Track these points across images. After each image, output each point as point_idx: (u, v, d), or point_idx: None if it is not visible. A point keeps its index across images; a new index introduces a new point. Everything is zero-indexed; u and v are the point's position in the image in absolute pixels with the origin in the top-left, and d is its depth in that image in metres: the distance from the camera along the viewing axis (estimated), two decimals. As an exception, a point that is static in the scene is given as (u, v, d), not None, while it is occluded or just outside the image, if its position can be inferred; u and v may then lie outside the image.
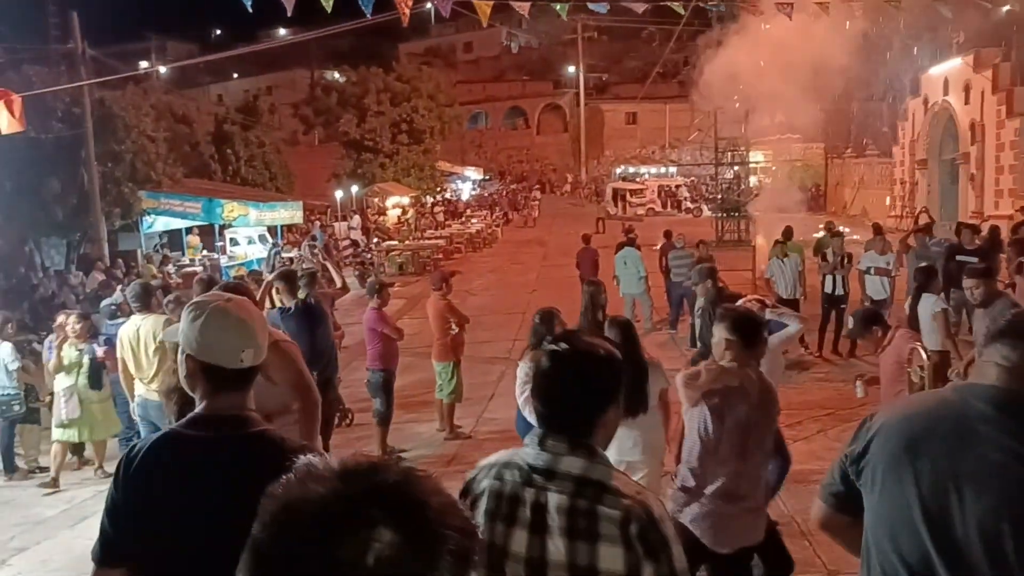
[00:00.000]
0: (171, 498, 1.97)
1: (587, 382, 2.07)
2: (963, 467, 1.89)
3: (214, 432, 2.03)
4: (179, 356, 2.13)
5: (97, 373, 8.00)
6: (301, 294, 7.20)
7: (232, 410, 2.07)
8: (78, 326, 7.94)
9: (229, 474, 1.93)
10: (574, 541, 1.95)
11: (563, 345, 2.11)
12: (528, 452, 2.06)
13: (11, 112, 7.67)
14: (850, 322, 7.08)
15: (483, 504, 2.06)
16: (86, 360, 7.91)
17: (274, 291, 7.07)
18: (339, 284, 8.50)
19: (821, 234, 14.84)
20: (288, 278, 7.23)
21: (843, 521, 2.18)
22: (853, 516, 2.11)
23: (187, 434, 2.06)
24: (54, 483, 7.82)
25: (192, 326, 2.07)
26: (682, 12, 12.24)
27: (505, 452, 2.16)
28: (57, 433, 7.90)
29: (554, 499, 1.98)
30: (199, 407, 2.09)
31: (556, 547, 1.96)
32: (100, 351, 7.99)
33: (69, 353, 7.84)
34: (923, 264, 9.22)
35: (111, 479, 2.11)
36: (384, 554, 0.85)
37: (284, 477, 0.94)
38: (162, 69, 31.14)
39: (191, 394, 2.13)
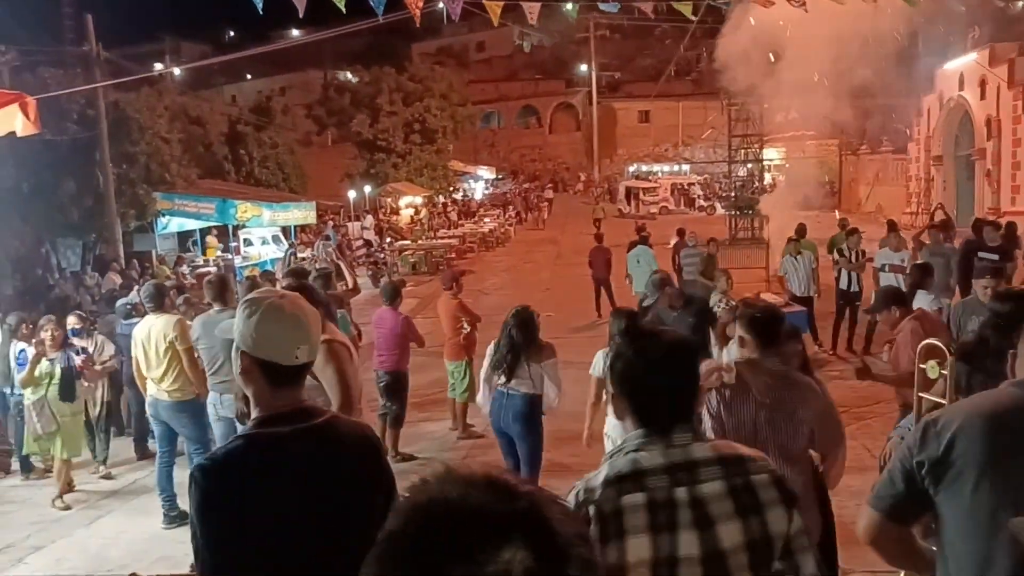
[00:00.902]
0: (272, 498, 1.96)
1: (685, 369, 2.11)
2: None
3: (288, 427, 2.02)
4: (233, 353, 2.12)
5: (70, 384, 7.60)
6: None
7: (294, 404, 2.07)
8: (56, 333, 7.63)
9: (319, 462, 1.96)
10: (747, 518, 1.95)
11: (648, 341, 2.15)
12: (652, 455, 2.00)
13: (26, 115, 7.70)
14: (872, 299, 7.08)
15: (631, 521, 1.96)
16: (57, 370, 7.55)
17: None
18: (350, 284, 8.52)
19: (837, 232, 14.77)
20: (299, 275, 7.25)
21: (895, 531, 2.13)
22: (905, 525, 2.09)
23: (264, 434, 2.04)
24: (69, 487, 7.59)
25: (247, 323, 2.07)
26: (692, 18, 12.21)
27: (617, 463, 2.03)
28: (35, 448, 7.67)
29: (710, 488, 1.97)
30: (258, 407, 2.08)
31: (729, 532, 1.94)
32: (78, 360, 7.71)
33: (41, 365, 7.51)
34: (920, 262, 9.19)
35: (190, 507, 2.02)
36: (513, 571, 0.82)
37: (422, 477, 0.91)
38: (176, 71, 31.25)
39: (244, 390, 2.13)
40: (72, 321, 8.34)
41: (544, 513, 0.87)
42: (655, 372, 2.05)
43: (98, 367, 8.09)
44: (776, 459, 3.54)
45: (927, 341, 6.02)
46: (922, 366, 5.88)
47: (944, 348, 5.86)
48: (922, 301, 7.61)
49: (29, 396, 7.50)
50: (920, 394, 5.93)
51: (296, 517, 1.95)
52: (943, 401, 5.87)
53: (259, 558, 1.93)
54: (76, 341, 8.02)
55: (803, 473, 3.56)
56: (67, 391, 7.57)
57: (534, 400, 6.03)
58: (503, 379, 6.03)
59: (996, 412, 2.01)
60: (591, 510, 1.96)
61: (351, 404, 3.97)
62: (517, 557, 0.82)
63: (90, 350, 8.13)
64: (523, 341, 6.03)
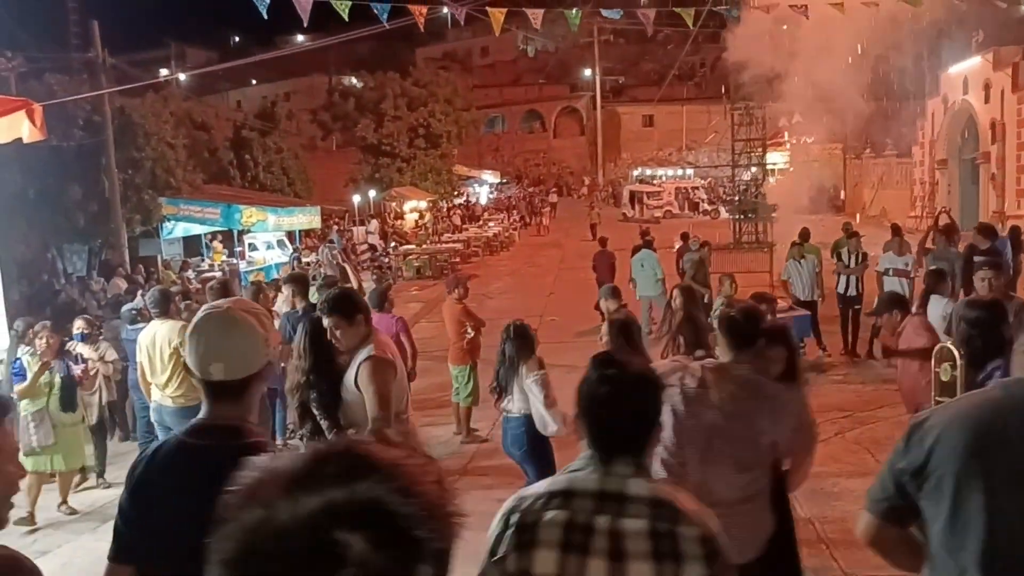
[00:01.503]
0: (169, 503, 2.01)
1: (643, 403, 2.11)
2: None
3: (214, 441, 2.05)
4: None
5: (71, 394, 7.33)
6: (314, 298, 7.22)
7: (230, 420, 2.08)
8: (51, 340, 7.32)
9: (222, 483, 1.97)
10: (660, 563, 1.94)
11: (613, 370, 2.13)
12: (590, 478, 2.04)
13: (33, 121, 7.75)
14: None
15: (546, 535, 2.00)
16: (57, 379, 7.24)
17: (288, 293, 7.03)
18: (355, 286, 8.51)
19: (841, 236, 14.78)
20: (299, 281, 7.24)
21: (893, 533, 2.14)
22: (903, 527, 2.08)
23: (188, 442, 2.10)
24: (31, 519, 6.98)
25: (186, 334, 2.15)
26: (690, 26, 12.31)
27: (558, 479, 2.11)
28: (27, 463, 6.76)
29: (632, 524, 1.97)
30: (201, 415, 2.13)
31: (640, 571, 1.94)
32: (78, 369, 7.44)
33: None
34: (934, 267, 9.19)
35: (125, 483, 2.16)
36: (356, 572, 0.80)
37: (237, 487, 0.88)
38: (181, 76, 31.44)
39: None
40: (80, 325, 8.14)
41: (387, 498, 0.84)
42: (610, 401, 2.07)
43: (95, 373, 7.85)
44: (730, 468, 3.43)
45: (941, 344, 6.06)
46: (936, 369, 5.92)
47: (956, 351, 5.90)
48: (936, 306, 7.63)
49: (27, 407, 7.03)
50: (937, 398, 5.97)
51: (184, 529, 1.97)
52: None
53: (149, 555, 2.05)
54: (80, 347, 7.80)
55: (759, 480, 3.48)
56: (68, 401, 7.30)
57: (531, 421, 5.66)
58: (496, 398, 5.87)
59: (974, 418, 1.98)
60: (515, 518, 2.05)
61: (387, 421, 3.94)
62: (348, 553, 0.80)
63: (90, 356, 7.93)
64: (517, 356, 5.72)
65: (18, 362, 7.35)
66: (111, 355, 8.35)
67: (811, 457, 3.92)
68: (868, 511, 2.14)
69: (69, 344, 7.85)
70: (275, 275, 19.82)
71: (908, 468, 2.01)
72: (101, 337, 8.68)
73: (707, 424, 3.41)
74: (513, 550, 2.01)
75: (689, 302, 6.10)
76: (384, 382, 3.97)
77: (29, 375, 7.12)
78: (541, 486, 2.12)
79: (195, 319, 2.14)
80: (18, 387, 7.09)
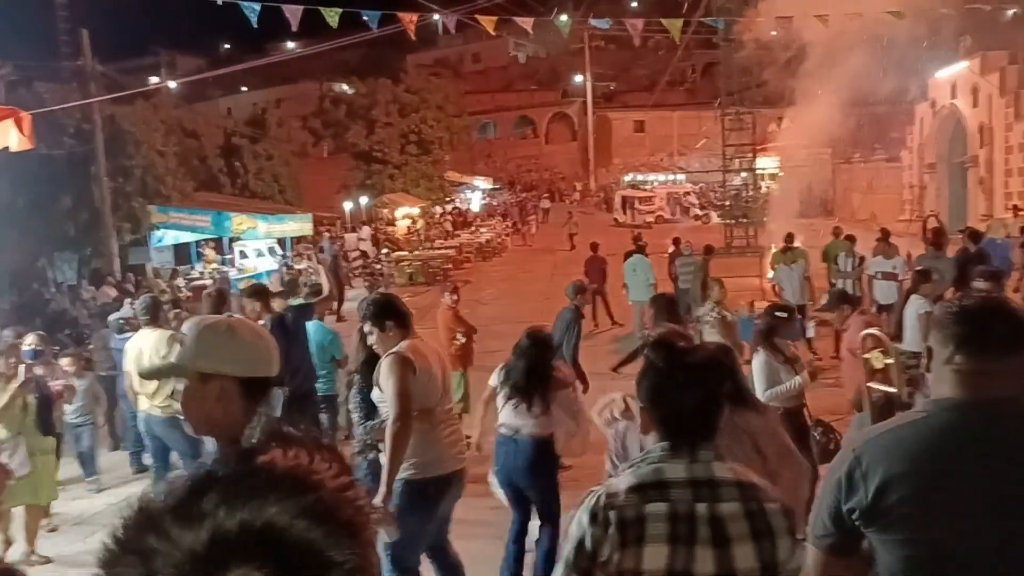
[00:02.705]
0: None
1: (716, 388, 2.16)
2: (987, 495, 1.86)
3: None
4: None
5: (47, 415, 6.65)
6: (278, 306, 7.18)
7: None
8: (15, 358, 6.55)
9: None
10: (760, 542, 2.00)
11: (682, 356, 2.18)
12: (676, 467, 2.04)
13: (21, 130, 7.73)
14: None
15: (652, 529, 1.98)
16: (31, 399, 6.49)
17: (247, 309, 6.87)
18: (325, 292, 8.45)
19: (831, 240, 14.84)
20: (260, 293, 7.16)
21: (841, 564, 2.09)
22: (849, 557, 2.04)
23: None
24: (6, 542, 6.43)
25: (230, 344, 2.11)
26: (675, 39, 12.41)
27: (642, 472, 2.06)
28: None
29: (727, 508, 2.01)
30: None
31: (744, 554, 1.99)
32: (58, 384, 6.85)
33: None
34: (919, 268, 9.27)
35: None
36: None
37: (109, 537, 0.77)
38: (171, 84, 31.28)
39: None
40: (31, 341, 7.05)
41: (287, 523, 0.74)
42: (685, 387, 2.09)
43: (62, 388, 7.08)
44: None
45: (868, 331, 6.21)
46: (865, 356, 6.07)
47: (885, 338, 6.09)
48: (914, 305, 7.68)
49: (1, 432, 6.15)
50: (869, 384, 6.11)
51: None
52: (893, 390, 6.05)
53: None
54: (35, 367, 6.73)
55: None
56: (46, 423, 6.58)
57: (546, 442, 5.33)
58: (511, 415, 5.38)
59: (916, 450, 1.92)
60: (612, 515, 1.99)
61: (405, 414, 4.02)
62: None
63: (67, 369, 7.51)
64: (540, 370, 5.38)
65: None
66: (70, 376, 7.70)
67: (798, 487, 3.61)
68: (813, 546, 2.08)
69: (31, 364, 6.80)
70: (266, 282, 19.78)
71: (856, 507, 1.94)
72: (60, 355, 8.26)
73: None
74: (618, 548, 1.98)
75: (661, 314, 5.87)
76: (399, 379, 4.03)
77: (7, 398, 6.25)
78: (625, 480, 2.06)
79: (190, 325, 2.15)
80: None
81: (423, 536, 4.31)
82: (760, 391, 5.41)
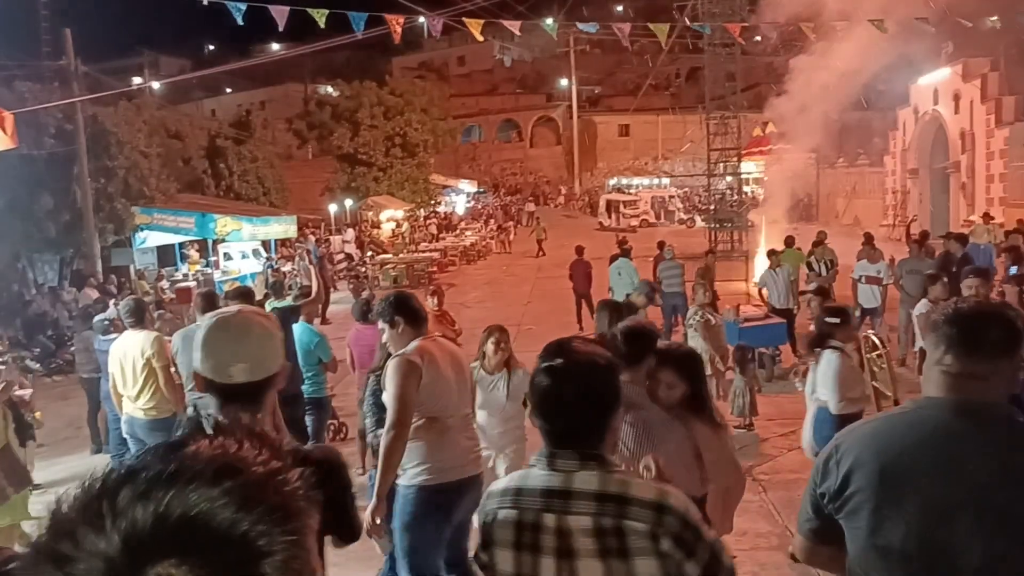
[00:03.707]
0: None
1: (590, 392, 2.00)
2: (953, 493, 1.87)
3: None
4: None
5: (23, 422, 6.46)
6: (269, 307, 7.13)
7: (239, 430, 2.01)
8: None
9: None
10: (607, 561, 1.90)
11: (559, 360, 2.03)
12: (538, 474, 1.99)
13: (3, 129, 7.66)
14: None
15: (500, 534, 1.99)
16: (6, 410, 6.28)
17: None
18: (313, 292, 8.41)
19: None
20: (245, 295, 7.10)
21: (824, 552, 2.14)
22: (835, 545, 2.07)
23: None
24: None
25: (198, 338, 2.08)
26: (663, 43, 12.48)
27: (514, 476, 2.10)
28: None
29: (576, 521, 1.92)
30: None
31: (590, 569, 1.91)
32: (25, 392, 6.46)
33: None
34: (929, 272, 9.39)
35: None
36: None
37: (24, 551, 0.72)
38: (155, 85, 31.15)
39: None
40: None
41: (206, 514, 0.70)
42: (550, 393, 2.00)
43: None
44: None
45: (867, 335, 6.31)
46: (868, 355, 6.14)
47: (877, 340, 6.11)
48: (919, 308, 7.84)
49: None
50: (874, 383, 6.16)
51: None
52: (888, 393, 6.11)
53: None
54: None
55: None
56: (24, 431, 6.35)
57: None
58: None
59: (890, 441, 1.96)
60: (480, 515, 2.09)
61: (400, 422, 3.93)
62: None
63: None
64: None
65: None
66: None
67: (731, 498, 3.69)
68: (799, 532, 2.15)
69: None
70: (250, 284, 19.67)
71: (826, 492, 2.00)
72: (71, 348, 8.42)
73: None
74: (481, 548, 2.06)
75: (602, 320, 5.73)
76: (399, 384, 3.98)
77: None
78: (502, 481, 2.12)
79: (208, 324, 2.10)
80: None
81: (439, 543, 4.17)
82: (834, 396, 5.30)
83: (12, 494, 5.86)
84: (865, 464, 1.93)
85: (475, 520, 2.15)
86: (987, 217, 18.83)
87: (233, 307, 2.29)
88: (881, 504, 1.91)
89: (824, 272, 12.16)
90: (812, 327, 6.11)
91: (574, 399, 1.98)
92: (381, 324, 4.29)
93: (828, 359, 5.39)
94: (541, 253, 30.08)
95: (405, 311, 4.21)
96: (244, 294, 7.20)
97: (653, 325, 4.41)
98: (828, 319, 5.52)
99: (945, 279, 8.35)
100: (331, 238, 31.15)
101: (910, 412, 2.02)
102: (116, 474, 0.74)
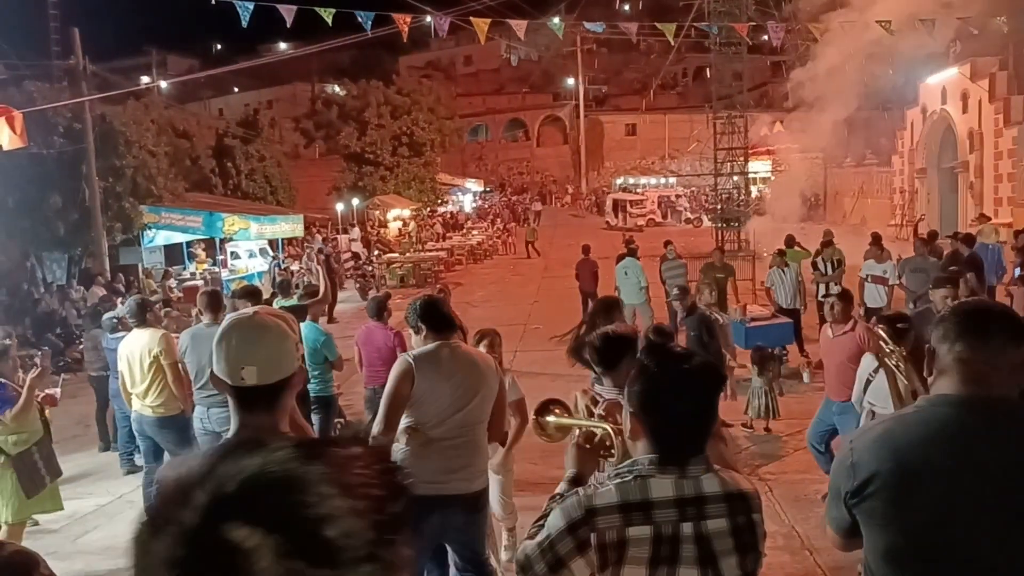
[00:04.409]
0: None
1: (712, 397, 2.03)
2: (969, 492, 1.88)
3: None
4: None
5: (45, 420, 6.38)
6: (277, 306, 7.18)
7: (259, 433, 1.92)
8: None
9: None
10: (745, 555, 1.99)
11: (678, 361, 2.02)
12: (664, 484, 1.95)
13: (12, 128, 7.71)
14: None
15: (634, 552, 1.92)
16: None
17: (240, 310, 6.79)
18: (321, 293, 8.44)
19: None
20: (253, 295, 7.12)
21: (854, 543, 2.16)
22: (857, 537, 2.11)
23: None
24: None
25: (215, 340, 2.08)
26: (671, 42, 12.49)
27: (621, 488, 1.96)
28: (32, 508, 5.89)
29: (714, 525, 1.96)
30: (232, 429, 2.07)
31: (729, 566, 1.96)
32: (56, 391, 6.33)
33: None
34: (953, 270, 9.41)
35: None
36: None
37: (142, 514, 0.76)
38: (163, 84, 31.24)
39: None
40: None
41: (294, 473, 0.71)
42: (680, 395, 1.96)
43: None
44: None
45: (892, 349, 6.30)
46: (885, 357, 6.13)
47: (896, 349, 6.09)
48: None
49: (12, 446, 5.63)
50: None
51: None
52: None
53: None
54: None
55: None
56: (46, 428, 6.28)
57: None
58: None
59: (904, 442, 1.96)
60: (593, 538, 1.91)
61: (384, 420, 3.90)
62: (246, 560, 0.68)
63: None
64: None
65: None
66: None
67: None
68: (829, 526, 2.17)
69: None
70: (257, 283, 19.73)
71: (846, 493, 2.02)
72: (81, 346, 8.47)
73: None
74: (596, 568, 1.94)
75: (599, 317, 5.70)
76: (390, 386, 3.99)
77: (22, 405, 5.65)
78: (608, 495, 1.95)
79: (223, 326, 2.11)
80: (10, 412, 5.61)
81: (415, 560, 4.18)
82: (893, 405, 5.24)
83: (49, 483, 5.96)
84: (880, 464, 1.95)
85: (556, 530, 1.97)
86: (983, 218, 18.72)
87: (250, 309, 2.28)
88: (896, 504, 1.92)
89: (830, 271, 12.14)
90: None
91: (707, 407, 2.01)
92: (409, 329, 4.29)
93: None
94: (531, 255, 30.15)
95: (428, 318, 4.15)
96: (252, 293, 7.23)
97: (634, 331, 4.31)
98: (900, 325, 5.31)
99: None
100: (338, 237, 31.22)
101: (924, 411, 2.02)
102: (220, 446, 0.77)
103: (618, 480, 1.98)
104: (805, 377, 10.27)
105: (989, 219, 18.59)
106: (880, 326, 4.06)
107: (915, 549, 1.92)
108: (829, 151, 34.05)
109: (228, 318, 2.16)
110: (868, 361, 5.54)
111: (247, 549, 0.67)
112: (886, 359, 4.88)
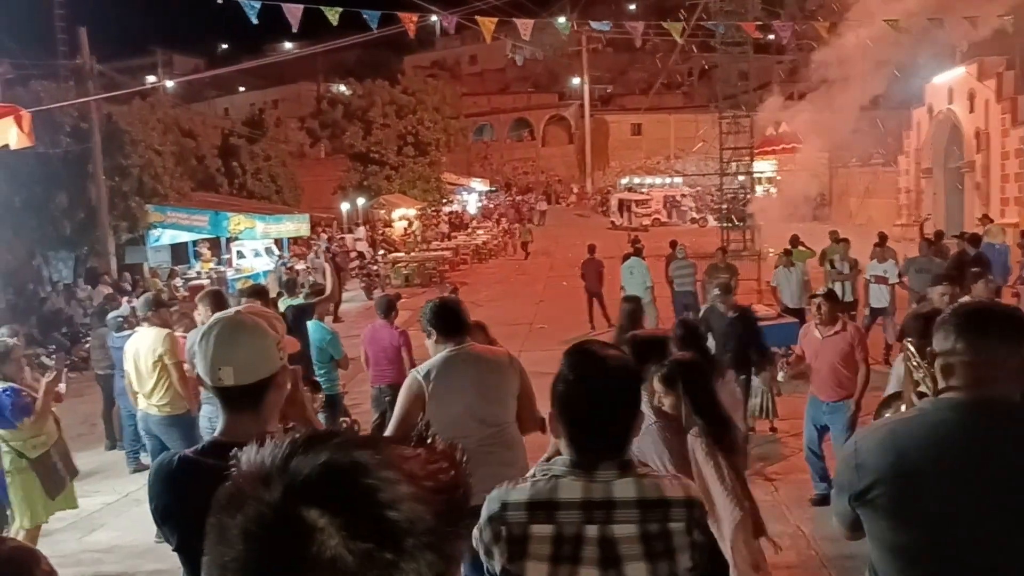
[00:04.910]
0: (185, 524, 1.93)
1: (626, 399, 1.98)
2: (972, 494, 1.88)
3: (224, 461, 1.98)
4: None
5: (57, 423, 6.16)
6: (283, 304, 7.16)
7: (244, 437, 1.88)
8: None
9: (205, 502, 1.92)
10: (655, 563, 1.92)
11: (591, 366, 1.99)
12: (572, 485, 1.94)
13: (20, 127, 7.72)
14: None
15: (535, 550, 1.94)
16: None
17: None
18: (328, 291, 8.44)
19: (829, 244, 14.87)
20: (260, 293, 7.12)
21: (861, 535, 2.17)
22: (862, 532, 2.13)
23: (196, 461, 2.00)
24: None
25: (196, 341, 2.09)
26: (678, 40, 12.46)
27: (536, 487, 1.99)
28: (50, 509, 5.87)
29: (621, 530, 1.92)
30: (218, 432, 2.07)
31: (636, 570, 1.92)
32: (60, 387, 6.09)
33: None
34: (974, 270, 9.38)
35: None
36: (334, 564, 0.72)
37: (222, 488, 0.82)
38: (169, 83, 31.28)
39: None
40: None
41: (363, 464, 0.76)
42: (592, 398, 1.95)
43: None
44: None
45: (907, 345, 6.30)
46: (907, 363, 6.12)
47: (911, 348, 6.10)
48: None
49: (31, 450, 5.61)
50: (916, 391, 6.13)
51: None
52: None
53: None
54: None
55: None
56: (57, 427, 6.17)
57: None
58: None
59: (908, 443, 1.97)
60: (503, 530, 1.96)
61: (396, 429, 3.89)
62: (316, 546, 0.73)
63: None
64: None
65: (9, 391, 5.54)
66: None
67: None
68: (836, 519, 2.18)
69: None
70: (263, 282, 19.76)
71: (851, 493, 2.03)
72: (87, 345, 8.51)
73: None
74: (505, 559, 1.98)
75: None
76: (400, 403, 4.00)
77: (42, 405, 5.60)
78: (521, 492, 1.99)
79: (204, 326, 2.11)
80: (29, 420, 5.52)
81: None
82: None
83: (70, 482, 6.03)
84: (885, 466, 1.95)
85: (481, 521, 2.02)
86: (986, 219, 18.64)
87: (233, 308, 2.27)
88: (900, 504, 1.93)
89: (847, 270, 12.08)
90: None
91: (613, 407, 1.95)
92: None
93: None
94: (526, 256, 30.19)
95: (437, 321, 4.07)
96: (258, 292, 7.24)
97: (665, 333, 4.31)
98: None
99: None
100: (345, 236, 31.26)
101: (928, 412, 2.03)
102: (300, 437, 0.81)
103: (536, 478, 2.02)
104: (780, 375, 10.07)
105: (992, 221, 18.52)
106: (908, 340, 3.94)
107: (919, 550, 1.92)
108: (835, 151, 34.00)
109: (212, 318, 2.15)
110: (896, 379, 5.55)
111: (319, 528, 0.73)
112: (912, 386, 4.84)
